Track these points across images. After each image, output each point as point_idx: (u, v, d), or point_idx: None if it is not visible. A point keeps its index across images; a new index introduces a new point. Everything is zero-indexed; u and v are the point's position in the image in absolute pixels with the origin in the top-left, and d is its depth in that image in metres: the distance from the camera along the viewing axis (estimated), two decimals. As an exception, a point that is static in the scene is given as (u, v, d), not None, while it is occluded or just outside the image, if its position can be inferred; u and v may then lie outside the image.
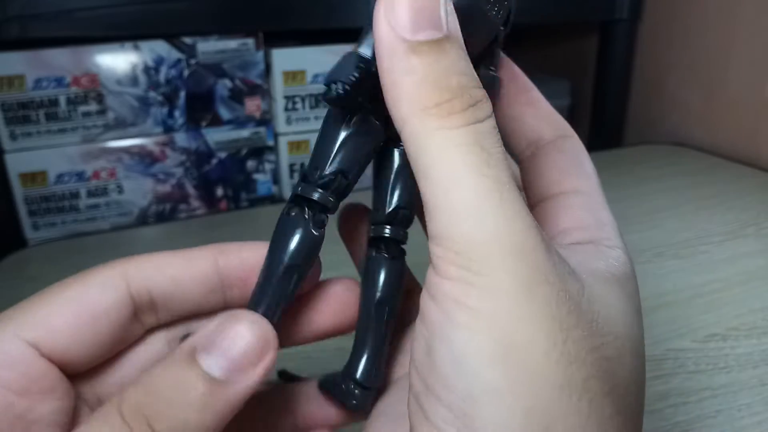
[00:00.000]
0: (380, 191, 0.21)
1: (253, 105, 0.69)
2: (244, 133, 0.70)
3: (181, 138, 0.67)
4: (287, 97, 0.69)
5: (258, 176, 0.72)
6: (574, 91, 0.96)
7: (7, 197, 0.63)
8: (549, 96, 0.24)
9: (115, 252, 0.59)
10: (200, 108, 0.67)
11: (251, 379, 0.16)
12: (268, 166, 0.72)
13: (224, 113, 0.68)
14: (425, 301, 0.16)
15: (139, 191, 0.67)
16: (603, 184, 0.21)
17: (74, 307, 0.18)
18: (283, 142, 0.72)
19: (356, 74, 0.17)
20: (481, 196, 0.15)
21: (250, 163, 0.71)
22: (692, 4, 0.81)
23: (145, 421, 0.15)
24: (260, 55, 0.67)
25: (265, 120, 0.70)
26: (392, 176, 0.21)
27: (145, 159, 0.66)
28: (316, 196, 0.19)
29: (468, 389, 0.15)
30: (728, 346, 0.41)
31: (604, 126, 0.90)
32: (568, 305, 0.16)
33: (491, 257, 0.15)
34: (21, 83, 0.60)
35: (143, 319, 0.20)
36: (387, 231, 0.21)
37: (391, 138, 0.20)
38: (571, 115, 0.96)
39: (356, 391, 0.20)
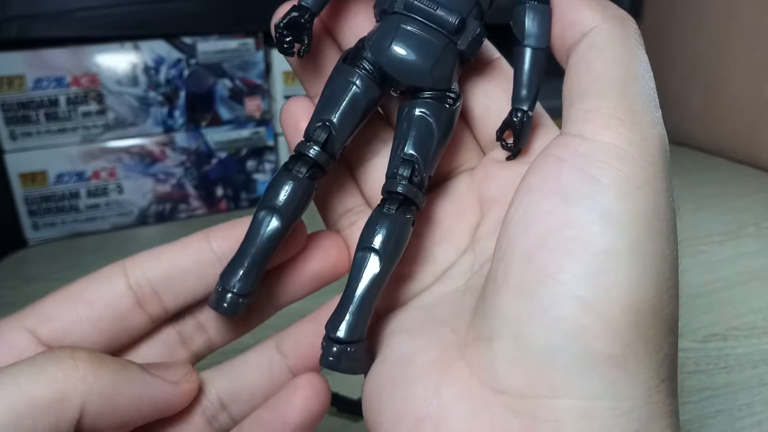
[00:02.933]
0: (393, 145, 0.21)
1: (253, 105, 0.69)
2: (244, 133, 0.70)
3: (181, 138, 0.67)
4: (287, 97, 0.68)
5: (258, 176, 0.72)
6: (574, 91, 0.96)
7: (7, 197, 0.63)
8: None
9: (115, 252, 0.59)
10: (200, 108, 0.67)
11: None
12: (268, 166, 0.72)
13: (224, 113, 0.68)
14: (552, 167, 0.18)
15: (139, 191, 0.67)
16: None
17: (72, 299, 0.20)
18: (283, 142, 0.72)
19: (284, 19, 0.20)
20: (650, 89, 0.18)
21: (250, 163, 0.71)
22: (692, 3, 0.81)
23: None
24: (260, 55, 0.67)
25: (265, 120, 0.70)
26: (403, 130, 0.21)
27: (145, 159, 0.66)
28: (300, 147, 0.21)
29: (610, 245, 0.16)
30: (728, 346, 0.41)
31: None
32: None
33: (648, 131, 0.17)
34: (21, 83, 0.60)
35: (148, 309, 0.21)
36: (392, 186, 0.20)
37: (405, 95, 0.21)
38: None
39: (333, 348, 0.20)
